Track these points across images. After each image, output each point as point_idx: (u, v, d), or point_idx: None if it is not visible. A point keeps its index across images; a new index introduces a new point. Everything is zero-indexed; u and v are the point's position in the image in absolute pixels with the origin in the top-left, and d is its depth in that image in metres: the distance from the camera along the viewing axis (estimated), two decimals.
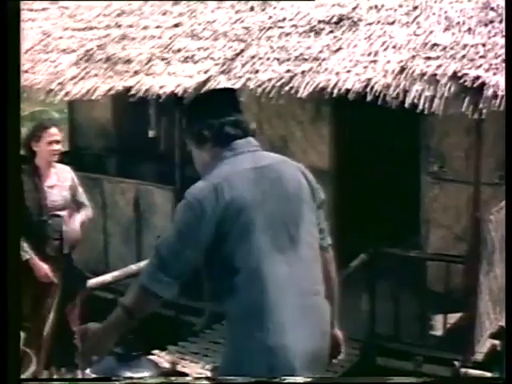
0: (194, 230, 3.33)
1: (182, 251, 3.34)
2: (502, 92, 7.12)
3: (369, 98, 7.69)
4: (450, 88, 7.43)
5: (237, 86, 8.48)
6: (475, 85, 7.31)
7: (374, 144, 11.04)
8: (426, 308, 8.54)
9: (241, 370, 3.36)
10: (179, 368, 7.98)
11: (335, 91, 7.89)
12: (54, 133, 6.71)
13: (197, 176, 3.63)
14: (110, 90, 9.67)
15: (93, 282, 7.23)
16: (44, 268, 6.52)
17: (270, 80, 8.40)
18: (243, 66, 8.89)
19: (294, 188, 3.57)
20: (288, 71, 8.42)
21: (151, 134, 11.40)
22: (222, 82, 8.70)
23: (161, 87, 9.11)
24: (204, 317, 9.38)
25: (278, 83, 8.31)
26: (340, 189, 10.23)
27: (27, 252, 6.41)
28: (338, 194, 10.17)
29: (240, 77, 8.71)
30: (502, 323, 8.99)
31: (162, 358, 8.11)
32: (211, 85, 8.75)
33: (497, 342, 8.30)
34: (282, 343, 3.34)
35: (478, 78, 7.32)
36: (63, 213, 6.74)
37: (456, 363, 8.09)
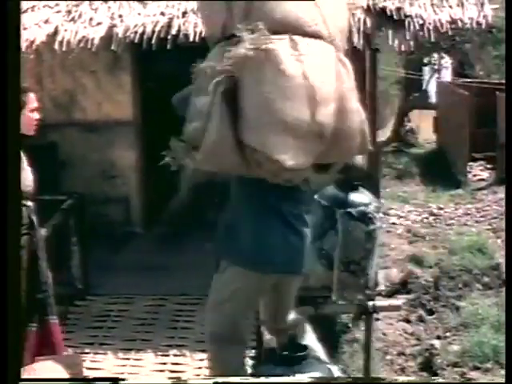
0: None
1: None
2: (428, 23, 7.10)
3: None
4: (365, 21, 7.19)
5: (100, 35, 7.34)
6: (398, 17, 7.14)
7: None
8: None
9: None
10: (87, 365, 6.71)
11: None
12: (33, 98, 5.21)
13: None
14: None
15: None
16: None
17: (143, 25, 7.33)
18: (96, 10, 7.65)
19: None
20: (162, 14, 7.42)
21: None
22: (80, 31, 7.41)
23: None
24: None
25: (157, 27, 7.28)
26: (147, 140, 9.44)
27: None
28: (144, 145, 9.40)
29: (99, 23, 7.48)
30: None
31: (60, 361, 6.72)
32: (63, 35, 7.41)
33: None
34: None
35: (399, 9, 7.16)
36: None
37: (361, 297, 8.10)
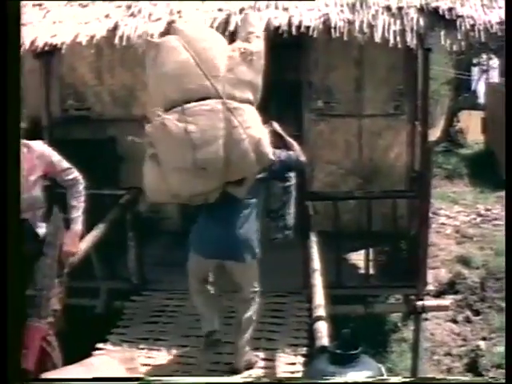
0: None
1: None
2: (479, 24, 7.10)
3: (333, 35, 7.17)
4: (418, 21, 7.19)
5: (159, 30, 7.38)
6: (450, 17, 7.14)
7: None
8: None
9: None
10: (141, 361, 6.65)
11: (293, 29, 7.19)
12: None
13: None
14: None
15: None
16: None
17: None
18: (155, 5, 7.70)
19: None
20: (220, 10, 7.48)
21: None
22: (140, 27, 7.46)
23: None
24: (102, 297, 8.07)
25: (215, 24, 7.31)
26: None
27: None
28: None
29: (159, 19, 7.54)
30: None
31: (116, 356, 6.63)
32: (123, 30, 7.49)
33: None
34: None
35: (451, 9, 7.16)
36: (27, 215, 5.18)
37: (412, 297, 8.10)
